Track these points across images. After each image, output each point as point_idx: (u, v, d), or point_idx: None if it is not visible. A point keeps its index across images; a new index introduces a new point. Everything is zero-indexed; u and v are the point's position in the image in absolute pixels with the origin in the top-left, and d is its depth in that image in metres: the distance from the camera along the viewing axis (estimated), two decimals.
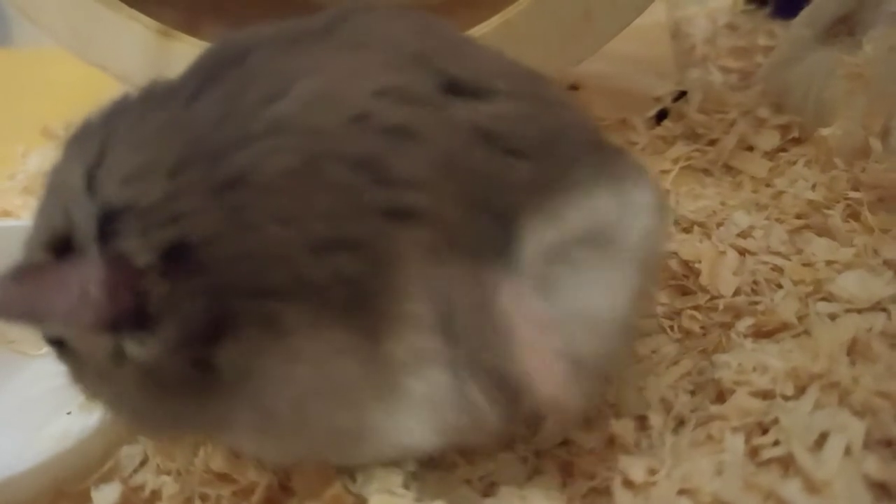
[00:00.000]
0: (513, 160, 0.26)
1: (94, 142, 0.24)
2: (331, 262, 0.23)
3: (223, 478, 0.29)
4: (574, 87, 0.53)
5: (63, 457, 0.29)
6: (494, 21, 0.40)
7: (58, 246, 0.23)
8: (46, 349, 0.26)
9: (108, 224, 0.23)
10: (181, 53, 0.44)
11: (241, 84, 0.25)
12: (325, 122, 0.24)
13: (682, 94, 0.52)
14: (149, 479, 0.30)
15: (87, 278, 0.22)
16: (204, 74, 0.25)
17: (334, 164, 0.24)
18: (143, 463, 0.31)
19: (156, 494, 0.29)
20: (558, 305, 0.25)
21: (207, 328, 0.23)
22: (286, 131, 0.24)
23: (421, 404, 0.25)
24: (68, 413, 0.33)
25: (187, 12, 0.47)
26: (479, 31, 0.41)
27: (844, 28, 0.49)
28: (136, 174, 0.23)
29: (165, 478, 0.30)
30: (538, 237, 0.25)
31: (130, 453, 0.31)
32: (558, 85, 0.35)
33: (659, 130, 0.50)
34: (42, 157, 0.52)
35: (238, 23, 0.27)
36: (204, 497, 0.28)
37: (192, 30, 0.45)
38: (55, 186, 0.25)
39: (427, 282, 0.24)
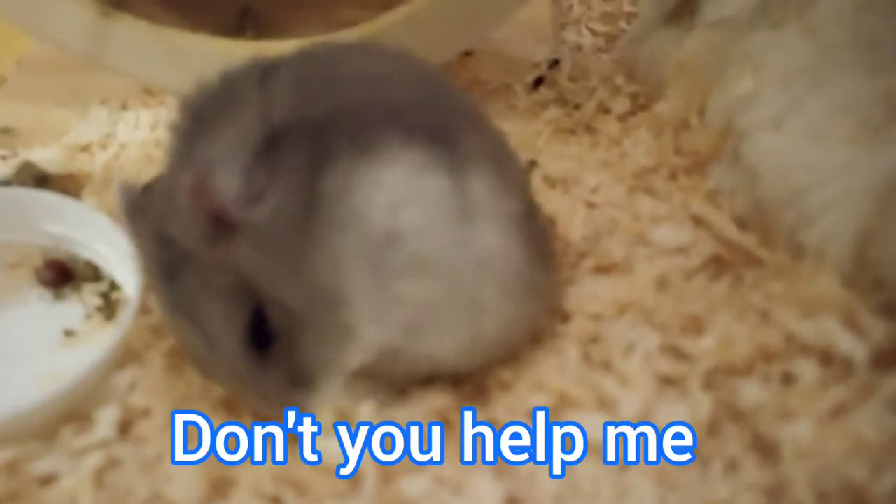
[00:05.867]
0: None
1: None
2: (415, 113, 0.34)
3: (202, 394, 0.37)
4: (467, 53, 0.62)
5: (73, 386, 0.36)
6: (400, 14, 0.49)
7: None
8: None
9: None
10: (120, 30, 0.50)
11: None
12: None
13: (555, 62, 0.62)
14: (140, 399, 0.37)
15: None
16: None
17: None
18: (133, 386, 0.38)
19: (148, 411, 0.37)
20: None
21: (311, 163, 0.31)
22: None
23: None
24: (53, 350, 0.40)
25: None
26: (385, 21, 0.49)
27: (687, 9, 0.59)
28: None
29: (154, 397, 0.37)
30: None
31: (121, 379, 0.38)
32: None
33: (536, 96, 0.59)
34: None
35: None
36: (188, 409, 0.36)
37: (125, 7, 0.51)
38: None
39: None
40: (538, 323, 0.39)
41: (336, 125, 0.32)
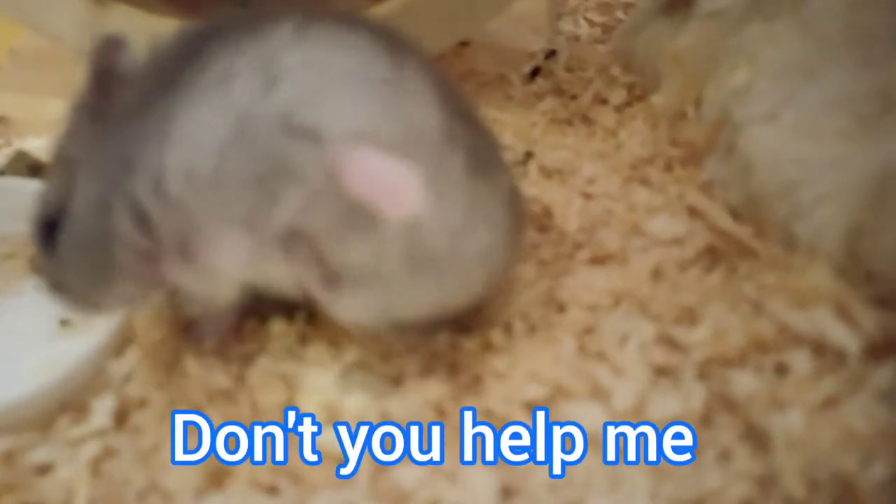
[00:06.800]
0: None
1: None
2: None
3: (199, 385, 0.37)
4: (463, 44, 0.62)
5: (69, 376, 0.36)
6: (396, 3, 0.49)
7: None
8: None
9: None
10: (114, 19, 0.49)
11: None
12: None
13: (552, 53, 0.62)
14: (136, 389, 0.37)
15: None
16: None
17: None
18: (129, 376, 0.38)
19: (144, 401, 0.37)
20: None
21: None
22: None
23: None
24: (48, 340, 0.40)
25: None
26: (382, 10, 0.49)
27: (683, 0, 0.59)
28: None
29: (151, 387, 0.37)
30: None
31: (118, 369, 0.38)
32: None
33: (532, 86, 0.59)
34: None
35: None
36: (184, 400, 0.37)
37: None
38: None
39: None
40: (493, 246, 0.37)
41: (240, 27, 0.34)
